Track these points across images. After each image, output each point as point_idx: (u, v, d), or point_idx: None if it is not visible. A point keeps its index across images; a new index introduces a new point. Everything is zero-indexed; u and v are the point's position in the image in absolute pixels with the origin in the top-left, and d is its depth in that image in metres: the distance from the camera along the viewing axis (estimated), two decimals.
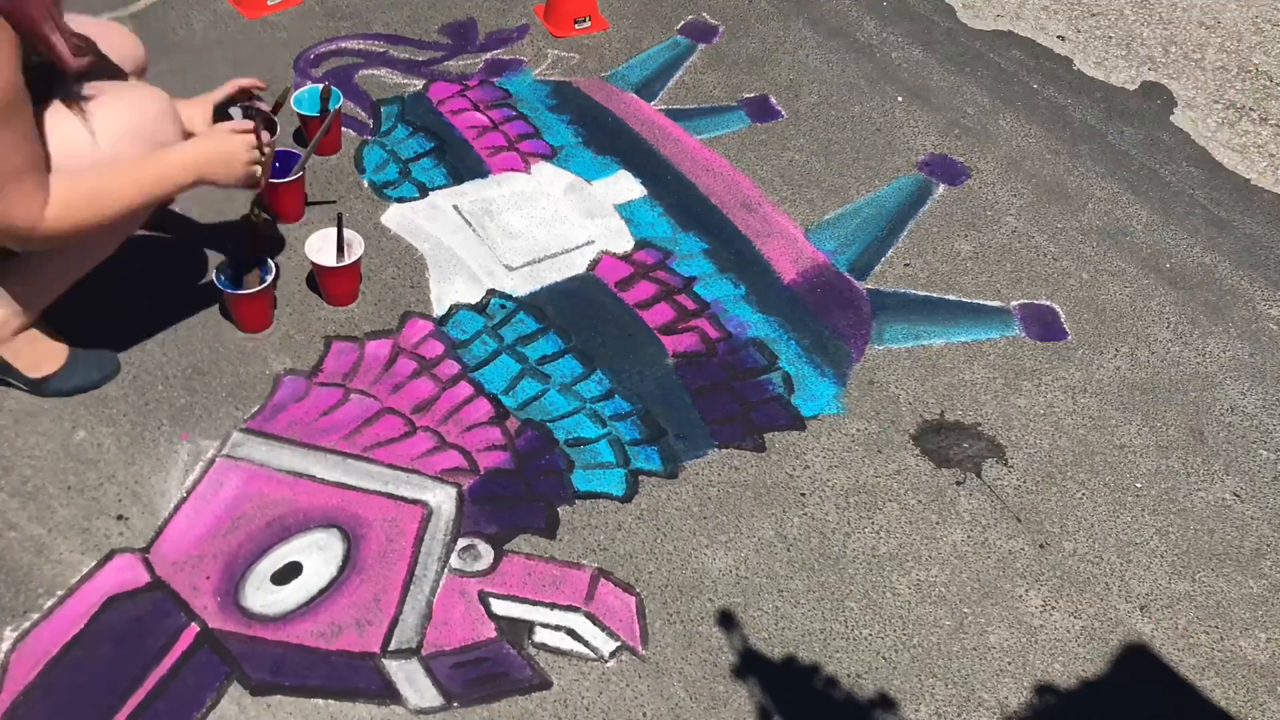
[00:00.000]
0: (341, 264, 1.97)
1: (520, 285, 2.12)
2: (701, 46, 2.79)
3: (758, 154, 2.51)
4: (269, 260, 1.93)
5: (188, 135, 1.73)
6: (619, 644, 1.63)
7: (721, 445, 1.90)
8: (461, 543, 1.71)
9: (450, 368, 1.96)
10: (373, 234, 2.16)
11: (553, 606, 1.66)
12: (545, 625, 1.63)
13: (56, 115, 1.53)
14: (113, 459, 1.75)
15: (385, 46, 2.62)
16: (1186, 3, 3.22)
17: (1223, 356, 2.20)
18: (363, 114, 2.43)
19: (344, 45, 2.60)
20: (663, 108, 2.58)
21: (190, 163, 1.63)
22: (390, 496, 1.75)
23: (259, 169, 1.73)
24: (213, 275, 1.94)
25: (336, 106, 2.23)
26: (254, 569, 1.64)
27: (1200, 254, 2.42)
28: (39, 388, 1.80)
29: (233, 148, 1.68)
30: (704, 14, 2.90)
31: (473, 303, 2.08)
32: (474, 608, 1.64)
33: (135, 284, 1.98)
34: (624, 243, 2.24)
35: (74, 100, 1.54)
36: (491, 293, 2.10)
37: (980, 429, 2.00)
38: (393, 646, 1.58)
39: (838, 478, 1.89)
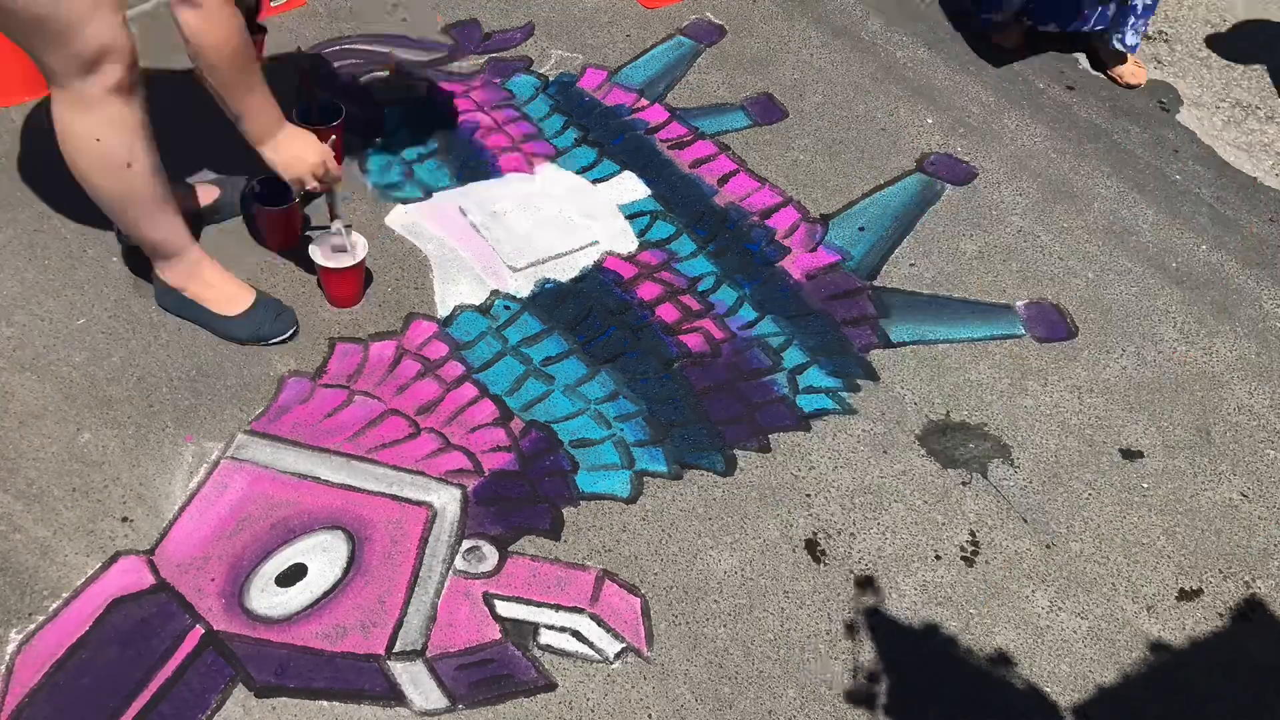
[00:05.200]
0: (345, 266, 1.97)
1: (524, 286, 2.12)
2: (705, 46, 2.79)
3: (762, 154, 2.50)
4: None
5: None
6: (624, 645, 1.63)
7: (727, 446, 1.90)
8: (466, 544, 1.71)
9: (454, 369, 1.95)
10: (377, 235, 2.16)
11: (557, 608, 1.65)
12: (550, 627, 1.63)
13: None
14: (117, 461, 1.75)
15: (389, 48, 2.62)
16: (1193, 0, 3.21)
17: (1230, 356, 2.19)
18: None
19: (348, 47, 2.60)
20: (666, 108, 2.58)
21: (278, 123, 1.77)
22: (395, 498, 1.75)
23: (309, 185, 1.84)
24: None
25: (337, 122, 2.20)
26: (259, 571, 1.63)
27: (1207, 253, 2.42)
28: (220, 326, 1.92)
29: (313, 155, 1.81)
30: (708, 14, 2.89)
31: (477, 304, 2.08)
32: (479, 609, 1.63)
33: (136, 284, 1.99)
34: (628, 243, 2.24)
35: None
36: (495, 294, 2.10)
37: (986, 429, 2.00)
38: (397, 648, 1.58)
39: (843, 478, 1.89)
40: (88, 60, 1.54)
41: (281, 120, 1.77)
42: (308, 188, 1.85)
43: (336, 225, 1.94)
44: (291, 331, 1.96)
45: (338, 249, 1.96)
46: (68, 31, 1.50)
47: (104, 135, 1.63)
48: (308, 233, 2.11)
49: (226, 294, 1.93)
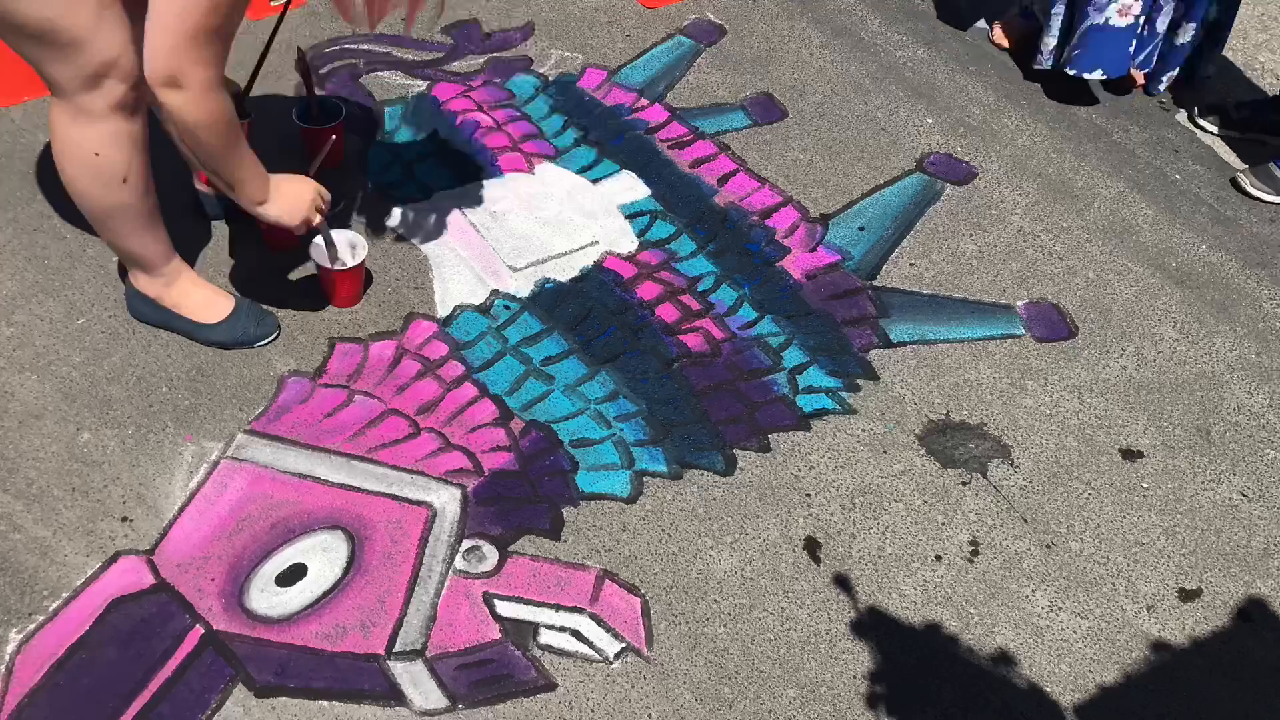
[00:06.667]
0: (345, 266, 1.97)
1: (524, 286, 2.12)
2: (705, 46, 2.79)
3: (762, 153, 2.50)
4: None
5: None
6: (624, 645, 1.63)
7: (727, 446, 1.90)
8: (466, 544, 1.71)
9: (454, 369, 1.95)
10: (377, 235, 2.16)
11: (557, 608, 1.65)
12: (550, 626, 1.63)
13: None
14: (117, 461, 1.75)
15: (389, 48, 2.62)
16: None
17: (1229, 356, 2.19)
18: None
19: (348, 46, 2.60)
20: (666, 108, 2.58)
21: (267, 180, 1.69)
22: (395, 498, 1.75)
23: (315, 220, 1.80)
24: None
25: (337, 123, 2.20)
26: (259, 571, 1.64)
27: (1207, 253, 2.42)
28: (200, 334, 1.91)
29: (308, 191, 1.76)
30: (708, 14, 2.89)
31: (476, 304, 2.08)
32: (479, 609, 1.63)
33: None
34: (628, 243, 2.24)
35: None
36: (495, 294, 2.10)
37: (986, 429, 2.00)
38: (397, 648, 1.58)
39: (843, 478, 1.89)
40: (91, 75, 1.53)
41: (268, 177, 1.69)
42: (314, 223, 1.79)
43: (325, 232, 1.90)
44: (274, 335, 1.95)
45: (330, 250, 1.93)
46: (72, 45, 1.48)
47: (103, 150, 1.61)
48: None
49: (205, 301, 1.90)
